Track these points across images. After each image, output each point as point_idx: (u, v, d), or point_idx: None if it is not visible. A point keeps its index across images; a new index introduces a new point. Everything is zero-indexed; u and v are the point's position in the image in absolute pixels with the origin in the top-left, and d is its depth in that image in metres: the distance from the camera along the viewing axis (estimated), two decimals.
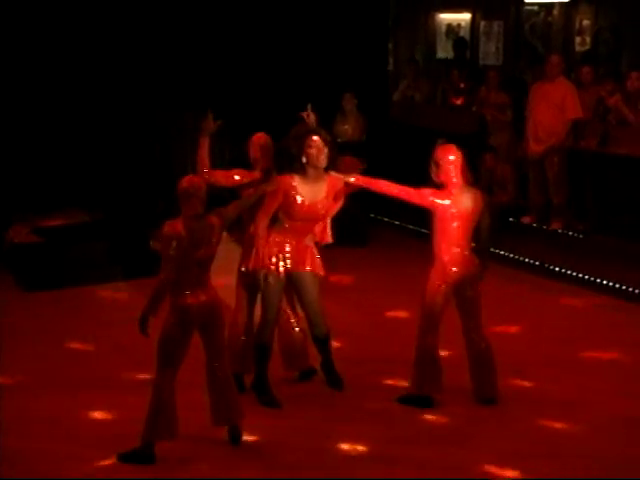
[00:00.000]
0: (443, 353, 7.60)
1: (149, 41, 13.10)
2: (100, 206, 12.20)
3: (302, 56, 13.65)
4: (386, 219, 13.56)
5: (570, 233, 11.90)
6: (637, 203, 11.17)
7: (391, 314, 9.78)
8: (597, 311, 10.03)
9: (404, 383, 7.72)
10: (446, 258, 7.47)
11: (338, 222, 7.93)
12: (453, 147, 7.54)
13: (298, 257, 7.61)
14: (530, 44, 16.28)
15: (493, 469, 6.64)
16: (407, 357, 7.67)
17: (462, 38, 16.43)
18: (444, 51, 17.04)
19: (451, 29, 17.07)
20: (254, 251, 7.50)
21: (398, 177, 7.65)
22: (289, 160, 7.48)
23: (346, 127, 13.01)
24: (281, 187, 7.41)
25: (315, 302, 7.75)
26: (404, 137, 14.08)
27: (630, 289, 10.34)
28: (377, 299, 10.28)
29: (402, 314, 9.50)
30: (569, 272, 11.03)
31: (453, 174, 7.43)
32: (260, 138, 7.97)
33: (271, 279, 7.51)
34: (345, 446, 6.96)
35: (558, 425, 7.33)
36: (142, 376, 7.61)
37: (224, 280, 7.56)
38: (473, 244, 7.62)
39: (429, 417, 7.45)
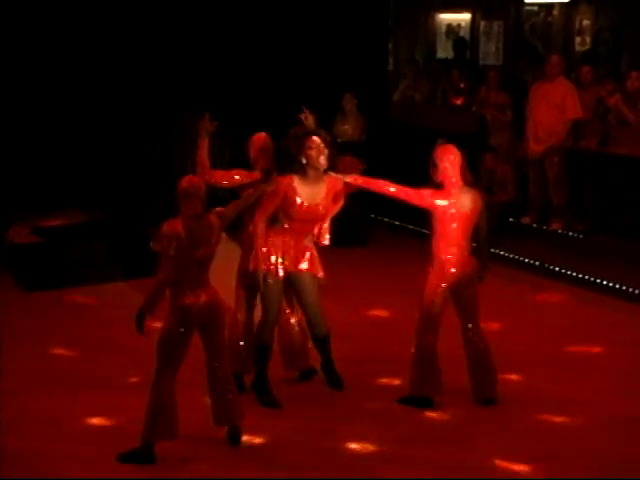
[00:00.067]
0: (442, 353, 7.59)
1: (149, 41, 13.10)
2: (100, 206, 12.20)
3: (302, 56, 13.66)
4: (386, 219, 13.56)
5: (570, 233, 11.91)
6: (637, 203, 11.18)
7: (391, 314, 9.78)
8: (597, 311, 10.03)
9: (404, 383, 7.71)
10: (445, 258, 7.47)
11: (338, 222, 7.94)
12: (452, 147, 7.53)
13: (297, 257, 7.61)
14: (530, 44, 16.29)
15: (493, 469, 6.64)
16: (407, 357, 7.66)
17: (462, 38, 16.44)
18: (444, 51, 17.04)
19: (451, 29, 17.07)
20: (253, 251, 7.50)
21: (398, 177, 7.64)
22: (289, 161, 7.48)
23: (346, 127, 13.01)
24: (281, 188, 7.41)
25: (314, 302, 7.75)
26: (404, 137, 14.09)
27: (630, 289, 10.33)
28: (377, 299, 10.28)
29: (402, 314, 9.49)
30: (569, 272, 11.03)
31: (452, 174, 7.43)
32: (260, 138, 7.97)
33: (270, 279, 7.51)
34: (345, 446, 6.96)
35: (558, 425, 7.33)
36: (142, 376, 7.60)
37: (224, 280, 7.55)
38: (473, 244, 7.62)
39: (429, 417, 7.45)
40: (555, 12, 16.17)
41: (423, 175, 7.65)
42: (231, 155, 11.82)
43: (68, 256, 11.02)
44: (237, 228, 7.71)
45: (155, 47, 13.13)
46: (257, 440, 7.00)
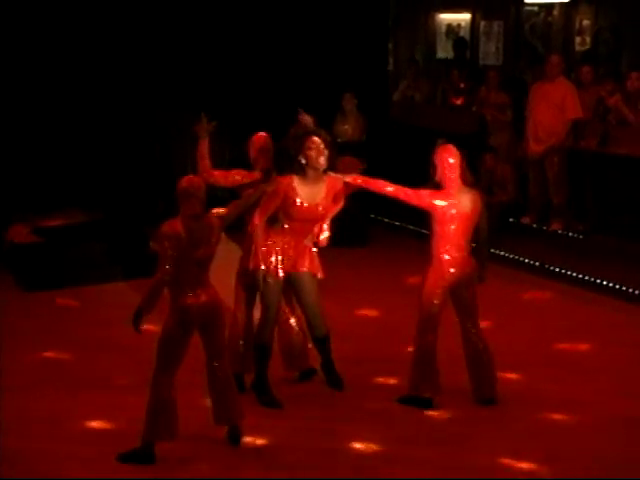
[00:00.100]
0: (441, 353, 7.59)
1: (149, 41, 13.11)
2: (100, 206, 12.19)
3: (302, 56, 13.66)
4: (386, 219, 13.55)
5: (570, 233, 11.91)
6: (637, 203, 11.18)
7: (391, 314, 9.77)
8: (597, 311, 10.03)
9: (404, 383, 7.71)
10: (444, 259, 7.46)
11: (338, 222, 7.94)
12: (452, 148, 7.52)
13: (297, 258, 7.61)
14: (530, 44, 16.30)
15: (493, 469, 6.64)
16: (407, 357, 7.67)
17: (462, 38, 16.44)
18: (444, 51, 17.05)
19: (451, 29, 17.08)
20: (252, 251, 7.50)
21: (398, 177, 7.64)
22: (289, 161, 7.48)
23: (346, 127, 13.01)
24: (281, 188, 7.40)
25: (314, 303, 7.75)
26: (404, 137, 14.09)
27: (630, 289, 10.33)
28: (377, 299, 10.28)
29: (402, 314, 9.48)
30: (569, 272, 11.03)
31: (452, 175, 7.42)
32: (260, 138, 7.98)
33: (270, 279, 7.50)
34: (345, 446, 6.95)
35: (558, 425, 7.33)
36: (142, 376, 7.58)
37: (223, 280, 7.55)
38: (473, 245, 7.62)
39: (429, 417, 7.45)
40: (555, 12, 16.18)
41: (423, 175, 7.65)
42: (231, 155, 11.82)
43: (68, 256, 11.02)
44: (237, 228, 7.70)
45: (155, 47, 13.13)
46: (260, 441, 7.00)
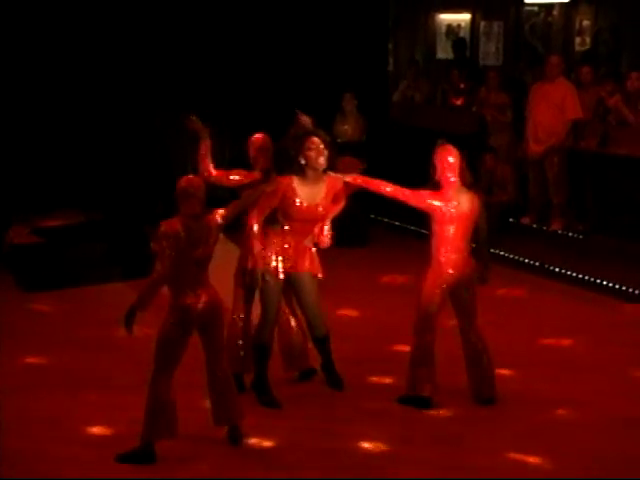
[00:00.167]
0: (440, 353, 7.59)
1: (149, 41, 13.10)
2: (99, 207, 12.20)
3: (302, 56, 13.66)
4: (386, 220, 13.56)
5: (570, 233, 11.91)
6: (637, 203, 11.18)
7: (391, 314, 9.77)
8: (597, 311, 10.03)
9: (404, 383, 7.71)
10: (443, 260, 7.46)
11: (338, 222, 7.93)
12: (451, 148, 7.52)
13: (297, 258, 7.60)
14: (530, 44, 16.31)
15: (493, 469, 6.64)
16: (407, 357, 7.67)
17: (462, 38, 16.45)
18: (444, 51, 17.06)
19: (451, 29, 17.09)
20: (250, 251, 7.48)
21: (398, 178, 7.65)
22: (288, 161, 7.47)
23: (346, 127, 13.01)
24: (280, 188, 7.40)
25: (314, 303, 7.75)
26: (404, 137, 14.09)
27: (630, 289, 10.34)
28: (377, 300, 10.28)
29: (402, 314, 9.47)
30: (569, 272, 11.03)
31: (451, 175, 7.42)
32: (259, 138, 7.97)
33: (269, 279, 7.49)
34: (345, 446, 6.95)
35: (557, 424, 7.33)
36: (142, 376, 7.58)
37: (222, 280, 7.54)
38: (472, 245, 7.62)
39: (429, 417, 7.45)
40: (555, 12, 16.20)
41: (423, 176, 7.64)
42: (231, 155, 11.81)
43: (68, 256, 11.02)
44: (237, 228, 7.70)
45: (155, 47, 13.13)
46: (260, 442, 6.99)
